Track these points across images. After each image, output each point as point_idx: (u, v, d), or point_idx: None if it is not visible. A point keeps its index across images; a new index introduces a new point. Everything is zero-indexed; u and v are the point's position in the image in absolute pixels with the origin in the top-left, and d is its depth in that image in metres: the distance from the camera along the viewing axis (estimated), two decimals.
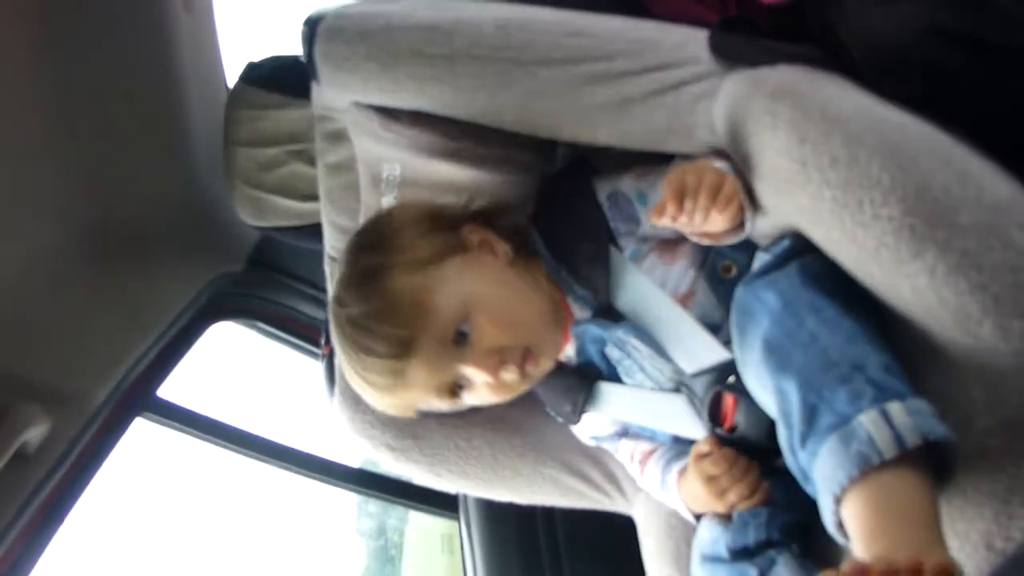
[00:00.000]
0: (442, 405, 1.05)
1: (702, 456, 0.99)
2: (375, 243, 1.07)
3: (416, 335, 0.98)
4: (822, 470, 0.71)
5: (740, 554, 0.98)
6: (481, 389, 1.02)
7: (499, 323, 1.00)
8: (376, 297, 1.00)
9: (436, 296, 0.99)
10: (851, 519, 0.69)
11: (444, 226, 1.07)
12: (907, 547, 0.63)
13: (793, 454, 0.78)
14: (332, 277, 1.30)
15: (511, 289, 1.05)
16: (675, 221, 0.89)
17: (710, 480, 0.98)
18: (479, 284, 1.03)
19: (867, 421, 0.69)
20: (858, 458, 0.68)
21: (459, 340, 0.99)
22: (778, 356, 0.79)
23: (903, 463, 0.67)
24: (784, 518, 0.98)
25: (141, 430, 1.60)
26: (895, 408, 0.69)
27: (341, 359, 1.07)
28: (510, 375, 1.00)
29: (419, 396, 1.04)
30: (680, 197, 0.88)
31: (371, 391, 1.05)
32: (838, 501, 0.70)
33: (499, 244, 1.09)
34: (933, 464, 0.70)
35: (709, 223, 0.90)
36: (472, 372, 1.00)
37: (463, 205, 1.11)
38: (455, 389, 1.03)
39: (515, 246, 1.10)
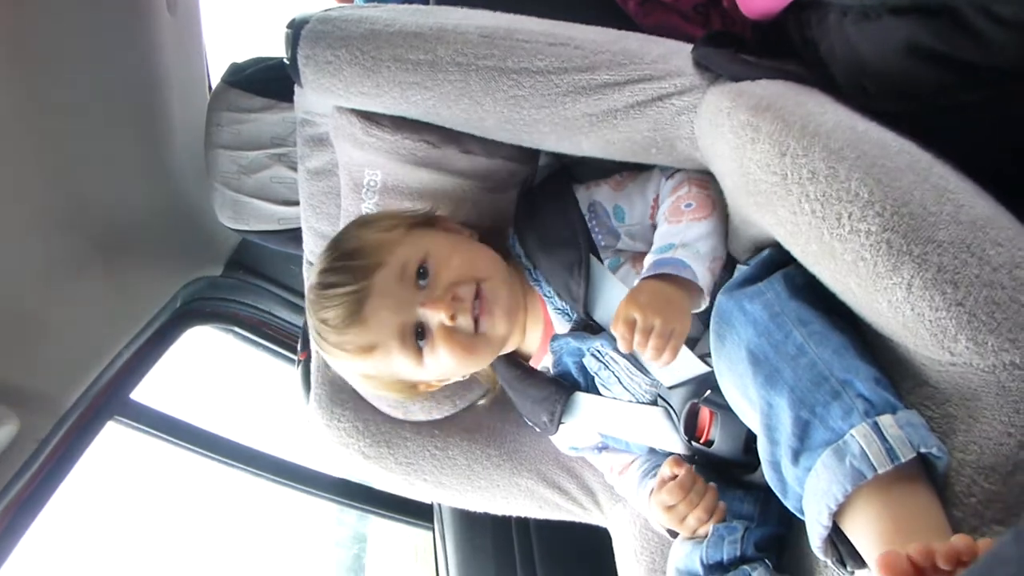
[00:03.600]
0: (400, 358, 1.02)
1: (663, 482, 0.99)
2: (351, 223, 1.12)
3: (378, 266, 1.00)
4: (816, 485, 0.71)
5: (714, 569, 0.98)
6: (438, 341, 1.01)
7: (455, 260, 1.02)
8: (346, 246, 1.04)
9: (402, 242, 1.03)
10: (860, 530, 0.69)
11: (412, 215, 1.11)
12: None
13: (775, 468, 0.78)
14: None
15: (472, 247, 1.09)
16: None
17: (669, 509, 0.98)
18: (438, 240, 1.06)
19: (859, 435, 0.69)
20: (853, 472, 0.68)
21: (420, 280, 1.01)
22: (766, 369, 0.79)
23: (901, 474, 0.68)
24: (758, 533, 0.98)
25: (114, 434, 1.58)
26: (887, 421, 0.69)
27: (308, 318, 1.06)
28: (464, 317, 1.00)
29: (375, 337, 1.01)
30: (631, 334, 0.92)
31: (329, 332, 1.03)
32: (834, 516, 0.70)
33: (466, 230, 1.12)
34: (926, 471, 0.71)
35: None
36: (429, 312, 0.99)
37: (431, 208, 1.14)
38: (416, 338, 1.01)
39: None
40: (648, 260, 1.01)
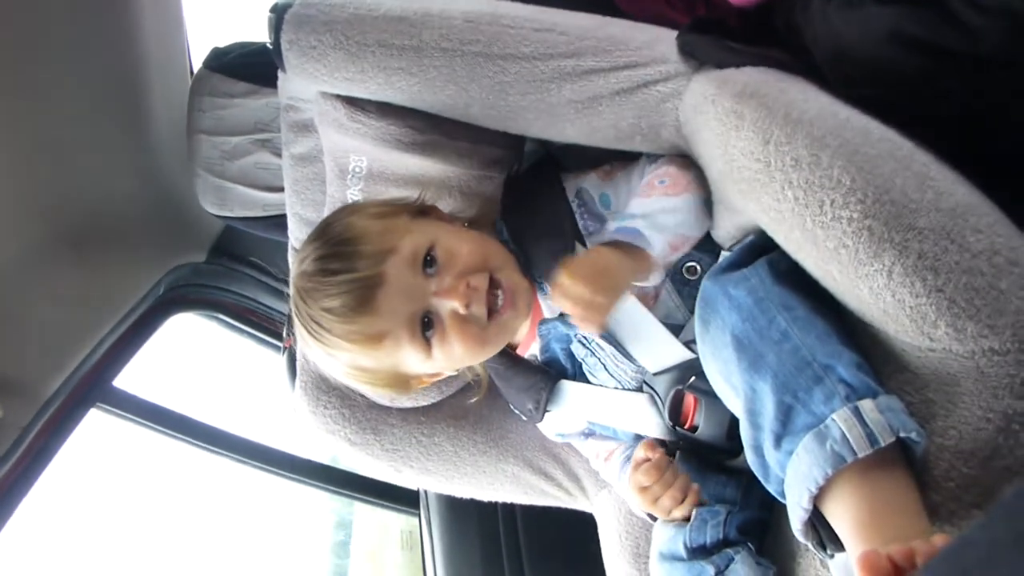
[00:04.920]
0: (408, 349, 1.00)
1: (638, 464, 1.00)
2: (339, 210, 1.08)
3: (389, 251, 0.96)
4: (797, 468, 0.72)
5: (697, 552, 0.98)
6: (449, 331, 0.98)
7: (464, 249, 0.99)
8: (341, 232, 0.99)
9: (409, 229, 1.00)
10: (838, 514, 0.70)
11: (404, 204, 1.09)
12: (900, 537, 0.64)
13: (758, 453, 0.78)
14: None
15: (470, 234, 1.06)
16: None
17: (643, 490, 0.98)
18: (439, 228, 1.03)
19: (840, 420, 0.70)
20: (833, 456, 0.69)
21: (428, 268, 0.98)
22: (750, 354, 0.79)
23: (881, 458, 0.69)
24: (741, 517, 0.99)
25: (96, 421, 1.57)
26: (867, 406, 0.70)
27: (300, 319, 1.02)
28: (477, 306, 0.97)
29: (386, 326, 0.97)
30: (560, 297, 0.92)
31: (334, 322, 0.97)
32: (815, 499, 0.71)
33: (457, 220, 1.11)
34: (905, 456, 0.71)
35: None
36: (442, 301, 0.97)
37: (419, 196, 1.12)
38: (424, 326, 0.99)
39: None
40: (610, 227, 1.01)
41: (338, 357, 1.03)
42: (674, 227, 0.99)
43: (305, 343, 1.05)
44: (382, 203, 1.07)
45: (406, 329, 0.98)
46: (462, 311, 0.97)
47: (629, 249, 0.96)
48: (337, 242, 0.99)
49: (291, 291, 1.04)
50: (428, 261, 0.98)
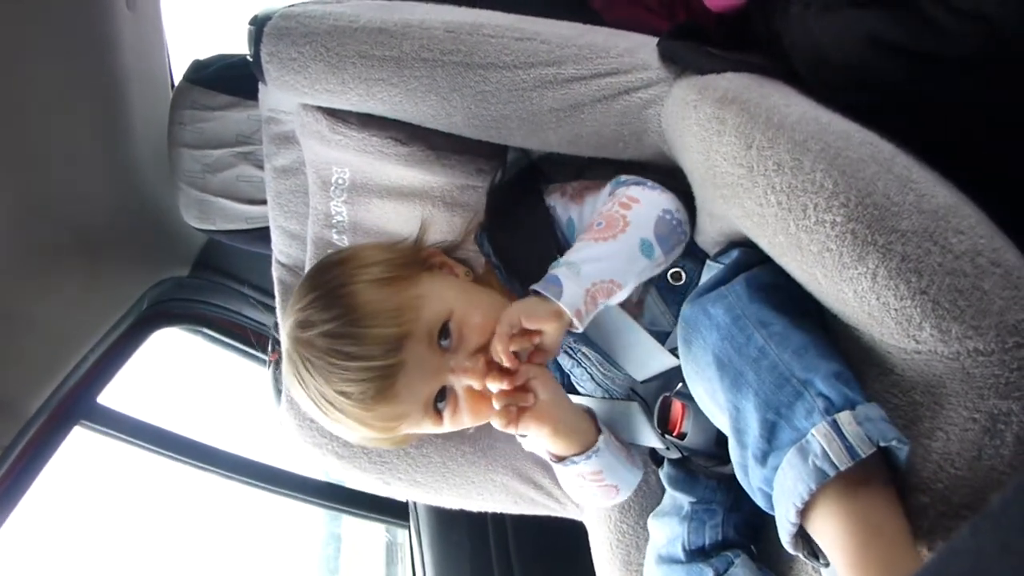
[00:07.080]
0: (423, 424, 0.99)
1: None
2: (335, 263, 1.03)
3: (406, 336, 0.93)
4: (783, 484, 0.72)
5: (695, 554, 0.98)
6: (462, 403, 0.97)
7: (475, 319, 0.96)
8: (352, 306, 0.94)
9: (420, 305, 0.96)
10: (823, 535, 0.70)
11: (403, 252, 1.06)
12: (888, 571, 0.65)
13: (745, 472, 0.78)
14: (280, 282, 1.28)
15: (481, 297, 1.03)
16: None
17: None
18: (452, 293, 1.00)
19: (819, 435, 0.69)
20: (815, 472, 0.68)
21: (442, 339, 0.95)
22: (730, 373, 0.79)
23: (864, 470, 0.68)
24: (736, 518, 0.99)
25: (80, 439, 1.55)
26: (845, 419, 0.69)
27: (304, 389, 0.98)
28: (494, 381, 0.93)
29: (406, 409, 0.96)
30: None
31: (350, 406, 0.94)
32: (801, 514, 0.70)
33: (458, 267, 1.08)
34: (890, 462, 0.71)
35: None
36: (460, 377, 0.94)
37: (416, 238, 1.10)
38: (436, 401, 0.97)
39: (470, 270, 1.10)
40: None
41: (349, 430, 1.01)
42: (596, 275, 0.93)
43: (307, 406, 1.02)
44: (382, 259, 1.02)
45: (423, 408, 0.96)
46: (477, 387, 0.94)
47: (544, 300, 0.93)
48: (347, 320, 0.93)
49: (289, 349, 1.00)
50: (442, 332, 0.96)
